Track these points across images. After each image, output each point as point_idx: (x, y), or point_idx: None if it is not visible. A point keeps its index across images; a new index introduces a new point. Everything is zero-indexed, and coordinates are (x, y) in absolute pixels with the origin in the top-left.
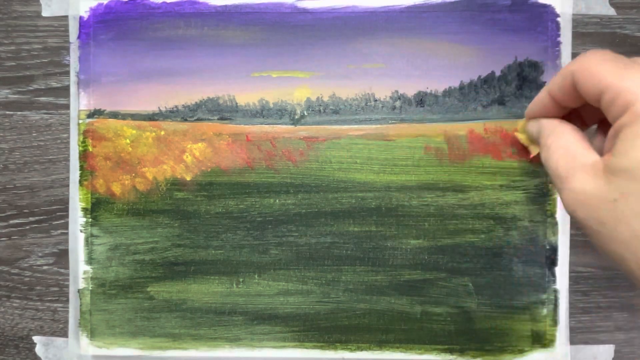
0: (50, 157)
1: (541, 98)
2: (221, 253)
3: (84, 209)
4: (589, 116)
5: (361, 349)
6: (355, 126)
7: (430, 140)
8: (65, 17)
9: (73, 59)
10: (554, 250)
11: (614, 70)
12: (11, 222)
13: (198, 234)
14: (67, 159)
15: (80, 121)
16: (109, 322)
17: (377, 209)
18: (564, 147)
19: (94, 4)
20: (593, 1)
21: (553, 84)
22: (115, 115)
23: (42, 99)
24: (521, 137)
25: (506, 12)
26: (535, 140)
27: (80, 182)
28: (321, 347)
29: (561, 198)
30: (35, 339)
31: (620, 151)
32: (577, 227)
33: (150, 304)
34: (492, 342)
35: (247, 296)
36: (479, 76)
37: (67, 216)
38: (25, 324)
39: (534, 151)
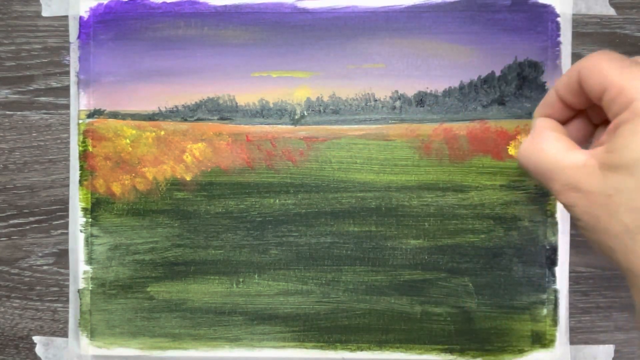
0: (50, 157)
1: (548, 98)
2: (221, 253)
3: (84, 209)
4: (596, 118)
5: (361, 349)
6: (355, 126)
7: (430, 140)
8: (65, 17)
9: (73, 59)
10: (554, 250)
11: (618, 69)
12: (11, 222)
13: (198, 234)
14: (67, 159)
15: (80, 121)
16: (109, 322)
17: (377, 209)
18: (546, 146)
19: (94, 4)
20: (593, 1)
21: (560, 82)
22: (115, 115)
23: (42, 99)
24: None
25: (506, 12)
26: None
27: (80, 182)
28: (321, 347)
29: (559, 200)
30: (35, 339)
31: (617, 147)
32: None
33: (150, 304)
34: (492, 342)
35: (247, 296)
36: (479, 76)
37: (67, 216)
38: (25, 324)
39: None
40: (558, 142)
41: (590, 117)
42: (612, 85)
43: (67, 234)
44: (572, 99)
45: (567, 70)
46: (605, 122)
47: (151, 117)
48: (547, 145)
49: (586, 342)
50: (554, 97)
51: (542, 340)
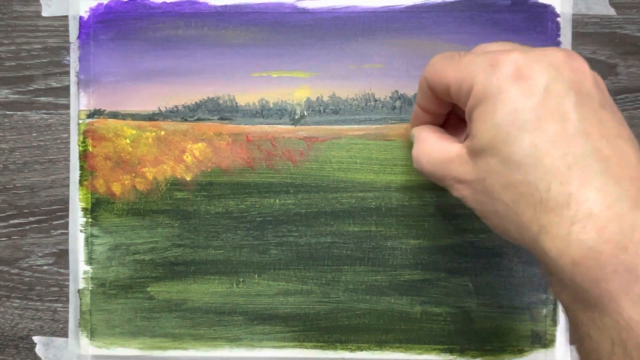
0: (50, 157)
1: (415, 113)
2: (221, 253)
3: (84, 209)
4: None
5: (361, 349)
6: (355, 126)
7: None
8: (65, 17)
9: (73, 59)
10: None
11: (452, 64)
12: (11, 222)
13: (198, 234)
14: (67, 159)
15: (80, 121)
16: (109, 322)
17: (377, 209)
18: (429, 149)
19: (94, 4)
20: (593, 1)
21: (418, 95)
22: (115, 115)
23: (42, 99)
24: None
25: (506, 12)
26: None
27: (80, 182)
28: (321, 347)
29: (450, 192)
30: (35, 339)
31: (475, 133)
32: None
33: (150, 304)
34: (492, 342)
35: (247, 296)
36: None
37: (67, 216)
38: (25, 324)
39: None
40: (439, 141)
41: (459, 114)
42: (452, 80)
43: (67, 234)
44: (432, 106)
45: (419, 82)
46: None
47: (151, 117)
48: (430, 146)
49: None
50: (417, 110)
51: (542, 340)
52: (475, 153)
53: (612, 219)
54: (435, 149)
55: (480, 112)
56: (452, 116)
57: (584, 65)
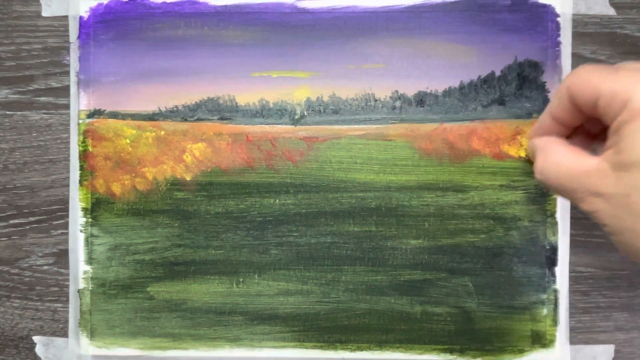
0: (50, 157)
1: (543, 122)
2: (221, 253)
3: (84, 209)
4: (593, 129)
5: (361, 349)
6: (355, 126)
7: (430, 140)
8: (65, 17)
9: (73, 59)
10: (554, 250)
11: (605, 76)
12: (11, 222)
13: (198, 234)
14: (67, 159)
15: (80, 121)
16: (109, 322)
17: (377, 209)
18: (560, 161)
19: (94, 4)
20: (593, 1)
21: (552, 104)
22: (115, 115)
23: (42, 99)
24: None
25: (506, 12)
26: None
27: (80, 182)
28: (321, 347)
29: (582, 209)
30: (35, 339)
31: (625, 147)
32: (577, 227)
33: (150, 304)
34: (492, 342)
35: (247, 296)
36: (479, 76)
37: (67, 216)
38: (25, 324)
39: None
40: (569, 153)
41: (586, 130)
42: (604, 92)
43: (67, 234)
44: (568, 117)
45: (555, 92)
46: (602, 133)
47: (151, 117)
48: (560, 158)
49: (586, 342)
50: (548, 120)
51: (542, 340)
52: (620, 167)
53: None
54: (566, 160)
55: (634, 128)
56: (578, 130)
57: None
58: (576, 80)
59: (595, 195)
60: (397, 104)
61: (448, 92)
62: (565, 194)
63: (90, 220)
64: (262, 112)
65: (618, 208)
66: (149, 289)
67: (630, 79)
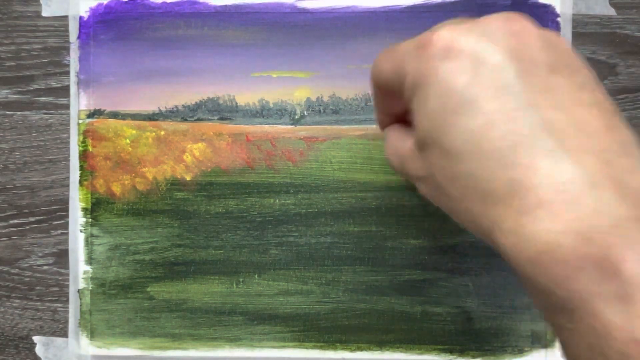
0: (50, 157)
1: (375, 115)
2: (221, 253)
3: (84, 209)
4: None
5: (361, 349)
6: (355, 126)
7: None
8: (65, 17)
9: (73, 59)
10: None
11: (388, 56)
12: (11, 222)
13: (198, 234)
14: (67, 159)
15: (80, 121)
16: (109, 322)
17: (377, 209)
18: (393, 148)
19: (94, 4)
20: (593, 1)
21: (374, 100)
22: (115, 115)
23: (42, 99)
24: None
25: None
26: None
27: (80, 182)
28: (321, 347)
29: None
30: (35, 339)
31: (416, 125)
32: None
33: (150, 304)
34: (492, 342)
35: (247, 296)
36: None
37: (67, 216)
38: (25, 324)
39: None
40: (399, 138)
41: None
42: (389, 74)
43: (67, 234)
44: (386, 107)
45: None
46: None
47: (151, 117)
48: (392, 143)
49: None
50: (375, 112)
51: (542, 340)
52: (420, 147)
53: (568, 205)
54: (397, 147)
55: (416, 101)
56: None
57: (527, 27)
58: (372, 67)
59: (416, 179)
60: None
61: None
62: (407, 179)
63: (90, 220)
64: (262, 112)
65: (433, 189)
66: (149, 289)
67: (403, 50)
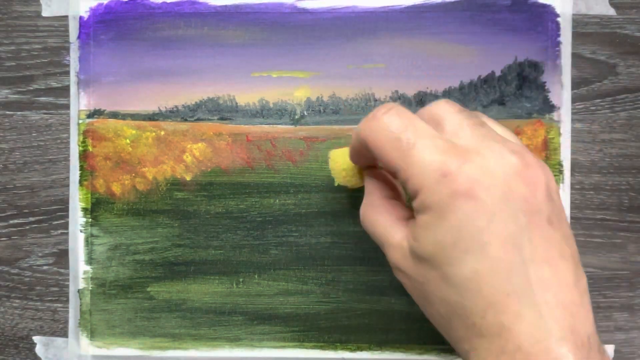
0: (50, 157)
1: (351, 148)
2: (221, 253)
3: (84, 209)
4: None
5: (361, 349)
6: (355, 126)
7: None
8: (65, 17)
9: (73, 59)
10: None
11: (400, 153)
12: (11, 222)
13: (198, 234)
14: (67, 159)
15: (80, 121)
16: (109, 322)
17: None
18: (375, 220)
19: (94, 4)
20: (593, 1)
21: (350, 148)
22: (115, 115)
23: (42, 99)
24: (332, 165)
25: (506, 12)
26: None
27: (80, 182)
28: (321, 347)
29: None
30: (35, 339)
31: (419, 238)
32: (577, 227)
33: (150, 304)
34: None
35: (247, 296)
36: (479, 76)
37: (67, 216)
38: (25, 324)
39: (338, 180)
40: (385, 214)
41: None
42: (399, 169)
43: (67, 234)
44: (369, 162)
45: (354, 135)
46: None
47: (151, 117)
48: (377, 217)
49: None
50: (352, 151)
51: None
52: (415, 256)
53: (539, 353)
54: (382, 221)
55: (426, 221)
56: None
57: (538, 175)
58: (372, 138)
59: (397, 269)
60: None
61: (448, 92)
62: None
63: (90, 220)
64: (262, 112)
65: (416, 290)
66: (149, 289)
67: (422, 164)
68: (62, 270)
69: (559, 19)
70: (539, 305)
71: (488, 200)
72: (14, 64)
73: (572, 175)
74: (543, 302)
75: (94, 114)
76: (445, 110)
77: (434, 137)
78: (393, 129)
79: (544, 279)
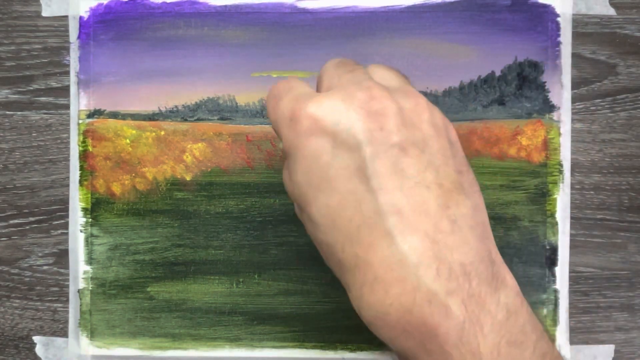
0: (50, 157)
1: None
2: (221, 253)
3: (84, 209)
4: None
5: (361, 349)
6: None
7: None
8: (65, 17)
9: (73, 59)
10: (554, 250)
11: (274, 105)
12: (11, 222)
13: (198, 234)
14: (67, 159)
15: (80, 121)
16: (109, 322)
17: None
18: (286, 178)
19: (94, 4)
20: (593, 1)
21: None
22: (115, 115)
23: (42, 99)
24: None
25: (506, 12)
26: None
27: (80, 182)
28: (321, 347)
29: None
30: (35, 339)
31: (286, 185)
32: (577, 227)
33: (150, 304)
34: None
35: (247, 296)
36: (479, 76)
37: (67, 216)
38: (25, 324)
39: None
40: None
41: None
42: (272, 122)
43: (67, 234)
44: None
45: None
46: None
47: (151, 117)
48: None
49: (586, 342)
50: None
51: None
52: (296, 205)
53: (395, 282)
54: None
55: (287, 167)
56: None
57: (385, 106)
58: (268, 100)
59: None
60: None
61: (448, 92)
62: None
63: (90, 220)
64: (262, 112)
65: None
66: (149, 289)
67: (279, 110)
68: (62, 270)
69: (559, 19)
70: (392, 232)
71: (330, 136)
72: (14, 64)
73: (572, 175)
74: (398, 228)
75: (94, 114)
76: (324, 69)
77: (298, 92)
78: (275, 93)
79: (397, 208)
